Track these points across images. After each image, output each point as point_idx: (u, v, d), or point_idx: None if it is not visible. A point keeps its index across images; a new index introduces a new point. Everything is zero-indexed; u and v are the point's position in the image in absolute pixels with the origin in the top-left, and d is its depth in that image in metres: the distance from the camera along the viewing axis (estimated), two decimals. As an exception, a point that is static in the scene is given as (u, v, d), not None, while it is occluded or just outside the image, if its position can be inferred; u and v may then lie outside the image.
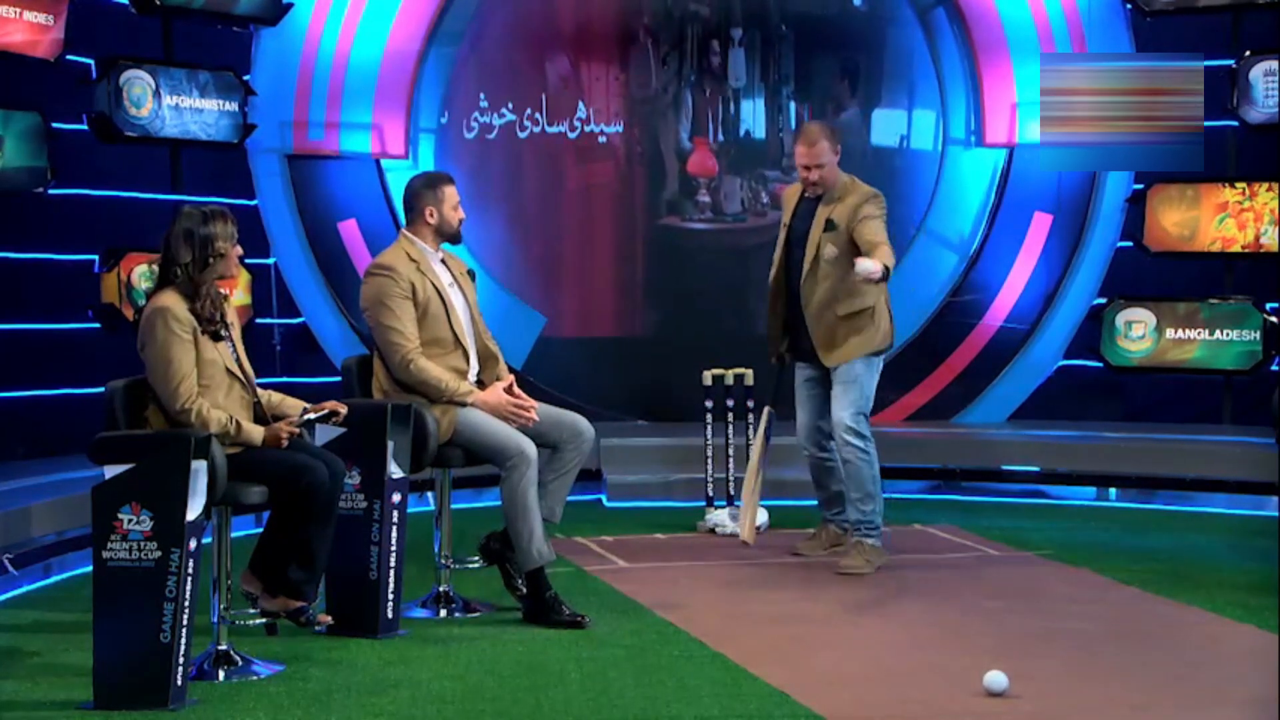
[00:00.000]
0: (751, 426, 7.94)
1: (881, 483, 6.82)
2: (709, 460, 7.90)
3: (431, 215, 5.99)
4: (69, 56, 8.09)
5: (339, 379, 6.15)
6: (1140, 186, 9.70)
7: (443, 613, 5.96)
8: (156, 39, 8.74)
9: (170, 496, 4.69)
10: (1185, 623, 5.87)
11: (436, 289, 5.93)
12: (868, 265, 6.27)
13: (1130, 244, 9.72)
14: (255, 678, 5.05)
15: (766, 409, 7.04)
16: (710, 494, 7.88)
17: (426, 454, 5.71)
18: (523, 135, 9.77)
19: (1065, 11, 9.71)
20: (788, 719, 4.62)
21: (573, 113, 9.81)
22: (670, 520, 8.01)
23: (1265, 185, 9.35)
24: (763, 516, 7.73)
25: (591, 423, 6.06)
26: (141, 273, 8.22)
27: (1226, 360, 9.48)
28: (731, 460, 7.88)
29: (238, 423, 5.11)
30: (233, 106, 8.81)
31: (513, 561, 5.95)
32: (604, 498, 8.73)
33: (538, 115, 9.76)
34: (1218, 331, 9.49)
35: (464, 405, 5.83)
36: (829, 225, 6.66)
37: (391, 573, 5.64)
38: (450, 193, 6.03)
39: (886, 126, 9.98)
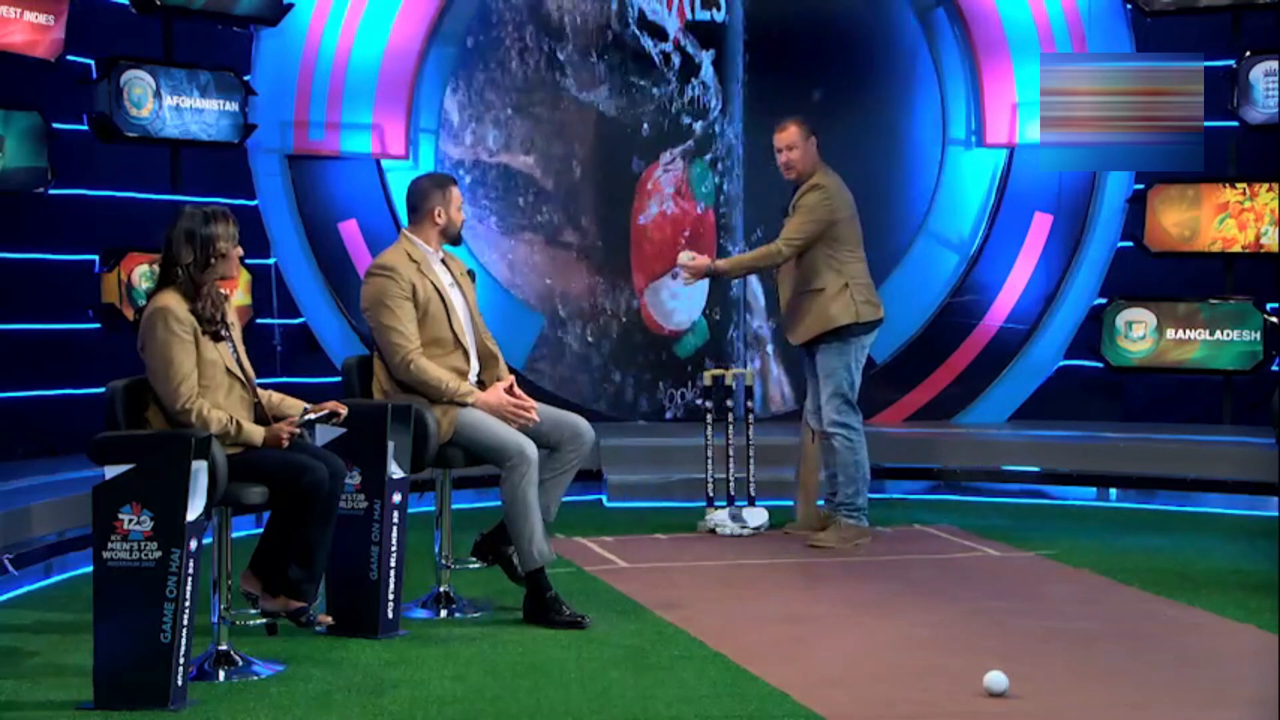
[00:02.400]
0: (752, 427, 7.97)
1: (867, 467, 7.25)
2: (709, 460, 7.90)
3: (439, 215, 6.01)
4: (69, 56, 8.08)
5: (339, 379, 6.15)
6: (1140, 186, 9.70)
7: (443, 613, 5.96)
8: (156, 39, 8.73)
9: (171, 496, 4.69)
10: (1185, 623, 5.87)
11: (437, 289, 5.93)
12: (682, 257, 7.25)
13: (1130, 244, 9.72)
14: (255, 678, 5.06)
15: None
16: (710, 494, 7.88)
17: (427, 454, 5.71)
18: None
19: (1065, 11, 9.71)
20: (788, 719, 4.62)
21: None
22: (670, 520, 8.01)
23: (1265, 185, 9.34)
24: (763, 516, 7.75)
25: (591, 423, 6.07)
26: (142, 273, 8.22)
27: (1227, 360, 9.48)
28: (731, 460, 7.88)
29: (238, 423, 5.11)
30: (233, 106, 8.81)
31: (509, 554, 5.95)
32: (604, 498, 8.73)
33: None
34: (1218, 331, 9.49)
35: (464, 405, 5.83)
36: (786, 212, 7.26)
37: (391, 573, 5.65)
38: (456, 193, 6.07)
39: (886, 126, 9.98)
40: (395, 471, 5.64)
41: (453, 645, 5.51)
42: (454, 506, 6.18)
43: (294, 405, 5.38)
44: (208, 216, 5.19)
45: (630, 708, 4.71)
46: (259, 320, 8.99)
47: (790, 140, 7.25)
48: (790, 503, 7.97)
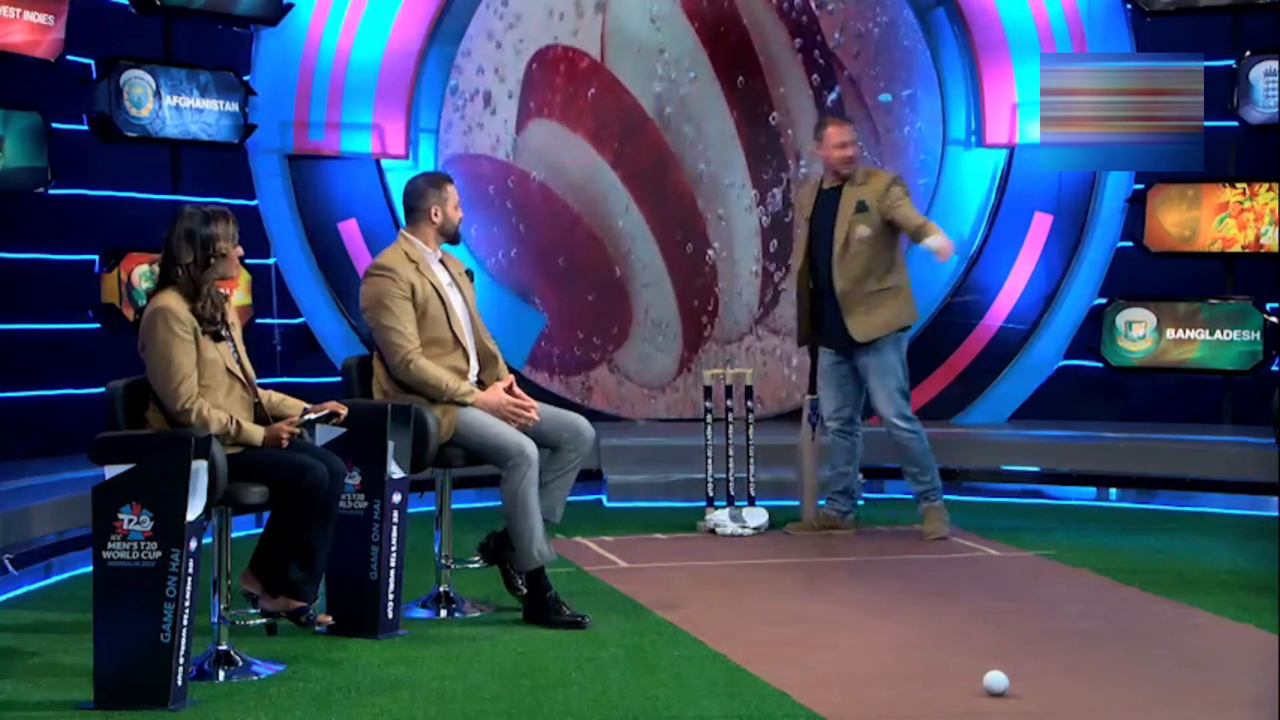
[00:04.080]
0: (752, 427, 7.97)
1: (931, 453, 7.49)
2: (709, 460, 7.90)
3: (436, 214, 6.01)
4: (69, 56, 8.09)
5: (339, 379, 6.15)
6: (1140, 186, 9.70)
7: (443, 613, 5.96)
8: (156, 39, 8.74)
9: (170, 496, 4.69)
10: (1185, 623, 5.87)
11: (435, 289, 5.93)
12: (938, 241, 7.09)
13: (1130, 244, 9.72)
14: (255, 678, 5.05)
15: (808, 397, 7.82)
16: (710, 494, 7.88)
17: (427, 454, 5.71)
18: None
19: (1065, 11, 9.71)
20: (788, 719, 4.62)
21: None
22: (670, 520, 8.02)
23: (1265, 185, 9.35)
24: (763, 516, 7.75)
25: (591, 423, 6.07)
26: (142, 273, 8.22)
27: (1227, 360, 9.49)
28: (731, 460, 7.88)
29: (238, 423, 5.11)
30: (233, 106, 8.81)
31: (512, 561, 5.97)
32: (604, 498, 8.74)
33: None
34: (1218, 331, 9.49)
35: (464, 405, 5.83)
36: (861, 207, 7.28)
37: (391, 573, 5.64)
38: (452, 191, 6.06)
39: (886, 126, 9.97)
40: (395, 471, 5.64)
41: (453, 645, 5.51)
42: (454, 506, 6.18)
43: (294, 405, 5.38)
44: (208, 216, 5.19)
45: (630, 708, 4.71)
46: (259, 320, 8.99)
47: (854, 135, 7.49)
48: (790, 503, 7.98)
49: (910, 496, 8.81)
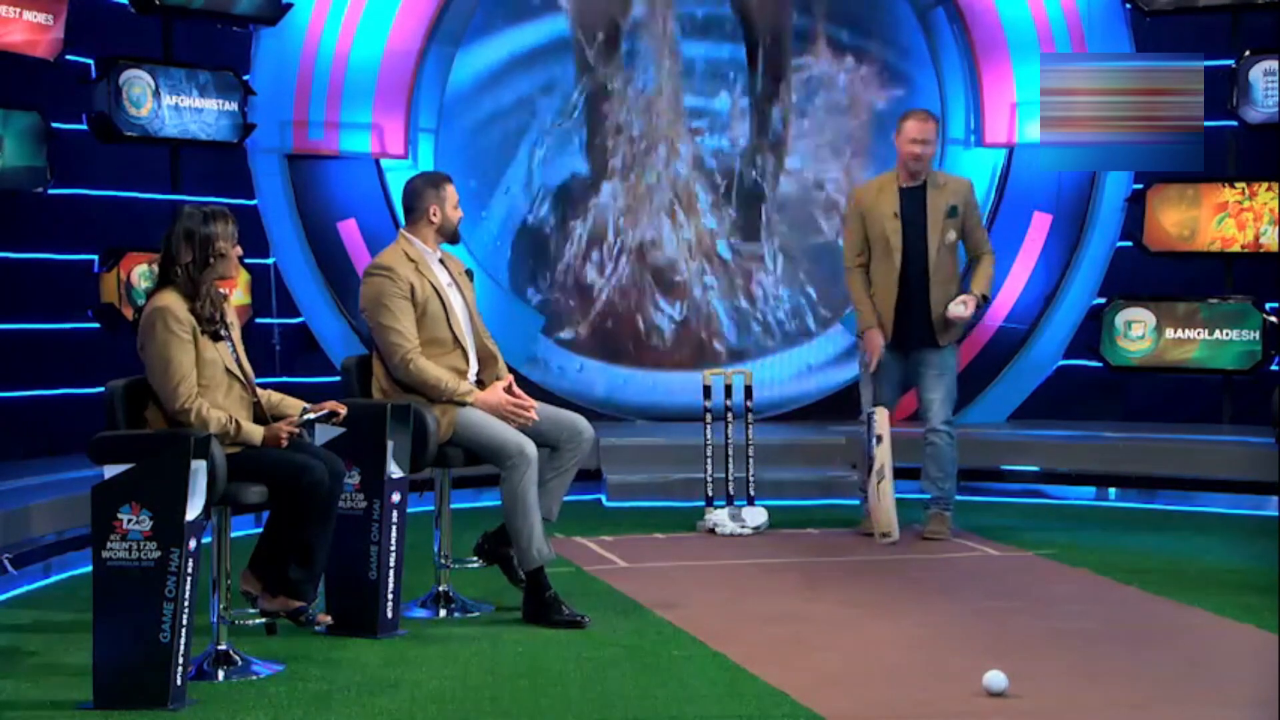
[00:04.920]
0: (752, 427, 7.96)
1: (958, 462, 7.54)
2: (708, 460, 7.90)
3: (435, 214, 6.00)
4: (69, 56, 8.08)
5: (339, 379, 6.15)
6: (1140, 186, 9.70)
7: (443, 613, 5.96)
8: (156, 39, 8.73)
9: (170, 496, 4.69)
10: (1185, 623, 5.87)
11: (435, 289, 5.93)
12: (959, 310, 7.17)
13: (1130, 244, 9.72)
14: (255, 678, 5.05)
15: (882, 410, 7.38)
16: (710, 494, 7.88)
17: (426, 454, 5.71)
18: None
19: (1065, 11, 9.71)
20: (787, 719, 4.62)
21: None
22: (670, 520, 8.01)
23: (1265, 185, 9.35)
24: (762, 516, 7.75)
25: (591, 423, 6.07)
26: (141, 273, 8.22)
27: (1226, 360, 9.48)
28: (731, 460, 7.88)
29: (237, 422, 5.11)
30: (232, 106, 8.81)
31: (510, 555, 5.96)
32: (604, 498, 8.73)
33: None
34: (1217, 331, 9.49)
35: (464, 405, 5.83)
36: (952, 212, 7.28)
37: (391, 572, 5.64)
38: (451, 191, 6.06)
39: (885, 126, 9.97)
40: (394, 471, 5.64)
41: (452, 645, 5.51)
42: (453, 506, 6.17)
43: (293, 405, 5.38)
44: (207, 216, 5.19)
45: (630, 708, 4.71)
46: (258, 320, 8.99)
47: (934, 134, 7.37)
48: (789, 502, 7.97)
49: (911, 496, 8.84)
